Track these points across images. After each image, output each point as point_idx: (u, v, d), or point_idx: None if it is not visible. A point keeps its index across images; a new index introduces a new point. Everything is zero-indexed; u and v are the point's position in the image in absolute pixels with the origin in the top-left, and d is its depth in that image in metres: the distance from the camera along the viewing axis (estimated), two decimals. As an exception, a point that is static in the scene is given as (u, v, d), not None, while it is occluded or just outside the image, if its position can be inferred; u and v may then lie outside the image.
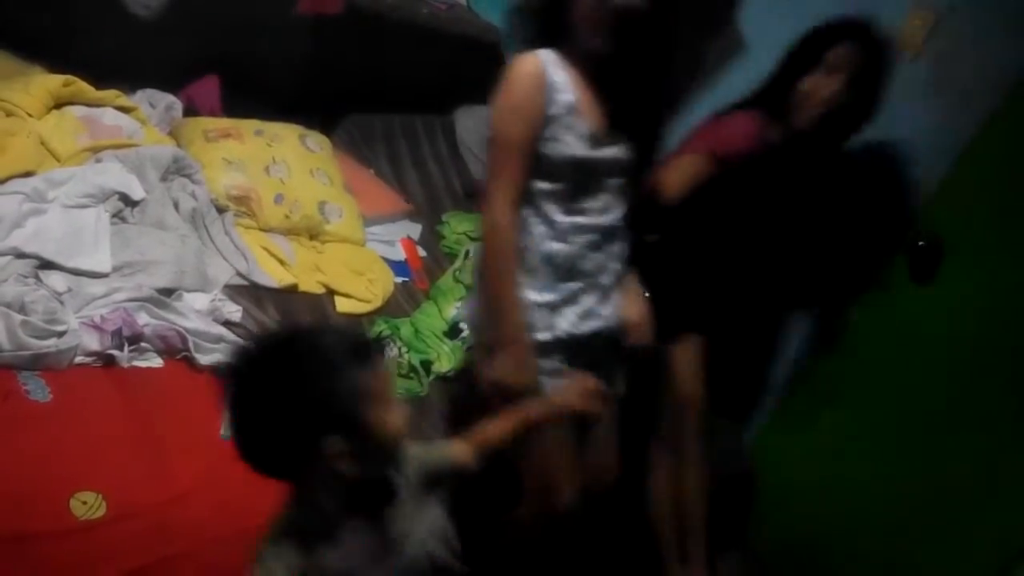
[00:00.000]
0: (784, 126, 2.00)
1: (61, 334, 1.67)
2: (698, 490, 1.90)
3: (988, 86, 2.03)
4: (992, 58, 2.03)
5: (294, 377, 1.08)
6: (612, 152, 1.63)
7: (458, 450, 1.33)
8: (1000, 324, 1.95)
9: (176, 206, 2.17)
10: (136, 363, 1.76)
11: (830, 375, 2.36)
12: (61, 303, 1.74)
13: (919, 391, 2.12)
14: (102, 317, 1.76)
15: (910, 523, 2.12)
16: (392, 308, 2.35)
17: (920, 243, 2.08)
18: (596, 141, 1.61)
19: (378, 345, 1.38)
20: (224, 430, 1.69)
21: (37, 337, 1.63)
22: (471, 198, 2.96)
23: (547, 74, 1.57)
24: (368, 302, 2.29)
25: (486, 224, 1.59)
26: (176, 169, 2.22)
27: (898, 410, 2.18)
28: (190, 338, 1.82)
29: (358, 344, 1.15)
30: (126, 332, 1.75)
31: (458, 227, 2.72)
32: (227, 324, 1.97)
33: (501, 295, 1.57)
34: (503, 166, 1.58)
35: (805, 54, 2.00)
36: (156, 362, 1.79)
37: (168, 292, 1.94)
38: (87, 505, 1.43)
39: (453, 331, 2.31)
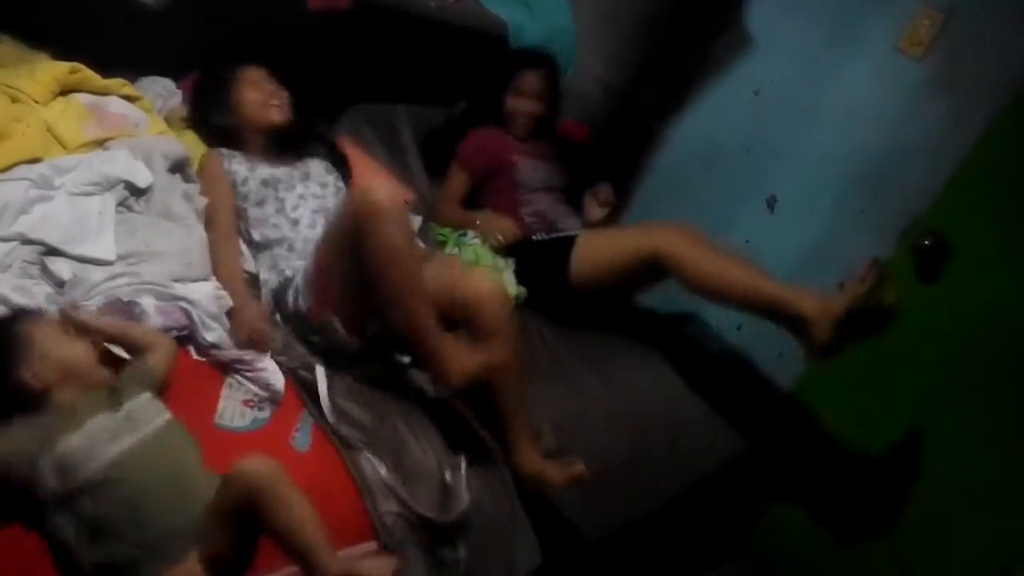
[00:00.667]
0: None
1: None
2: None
3: (995, 87, 2.04)
4: (999, 59, 2.04)
5: None
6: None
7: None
8: (1005, 324, 1.96)
9: (185, 198, 2.16)
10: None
11: (832, 372, 2.36)
12: (62, 295, 1.73)
13: (923, 390, 2.13)
14: (99, 308, 1.75)
15: (914, 525, 2.12)
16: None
17: (925, 242, 2.09)
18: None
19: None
20: (218, 418, 1.70)
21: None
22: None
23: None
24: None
25: None
26: (174, 164, 2.22)
27: (899, 408, 2.18)
28: (194, 312, 1.83)
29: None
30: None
31: None
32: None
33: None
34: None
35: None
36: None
37: (172, 281, 1.93)
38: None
39: None
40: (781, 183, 2.55)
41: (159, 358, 1.61)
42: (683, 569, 1.98)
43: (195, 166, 2.22)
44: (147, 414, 1.48)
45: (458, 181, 2.75)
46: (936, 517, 2.08)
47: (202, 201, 2.17)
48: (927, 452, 2.11)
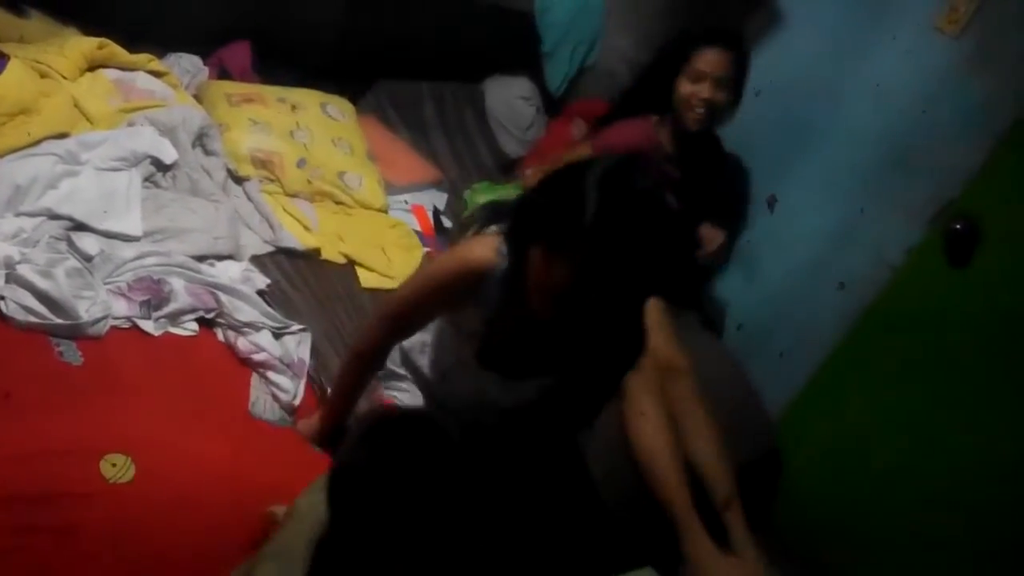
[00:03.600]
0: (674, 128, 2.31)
1: (90, 305, 1.68)
2: (718, 451, 1.85)
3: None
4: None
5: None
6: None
7: None
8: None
9: (208, 173, 2.17)
10: (171, 330, 1.78)
11: (859, 355, 2.33)
12: (91, 272, 1.75)
13: (949, 373, 2.10)
14: (129, 285, 1.77)
15: (936, 506, 2.11)
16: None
17: (957, 226, 2.05)
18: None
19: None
20: (252, 407, 1.71)
21: (67, 307, 1.64)
22: (503, 170, 2.94)
23: (491, 273, 1.47)
24: (391, 278, 2.28)
25: None
26: (197, 139, 2.23)
27: (927, 392, 2.16)
28: (222, 295, 1.84)
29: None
30: (154, 301, 1.77)
31: (482, 198, 2.70)
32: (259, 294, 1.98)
33: None
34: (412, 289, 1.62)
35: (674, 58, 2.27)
36: (191, 329, 1.80)
37: (200, 259, 1.95)
38: (116, 468, 1.44)
39: None
40: (809, 165, 2.52)
41: None
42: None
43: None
44: None
45: None
46: (960, 497, 2.06)
47: (221, 171, 2.16)
48: (952, 433, 2.08)
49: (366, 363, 1.64)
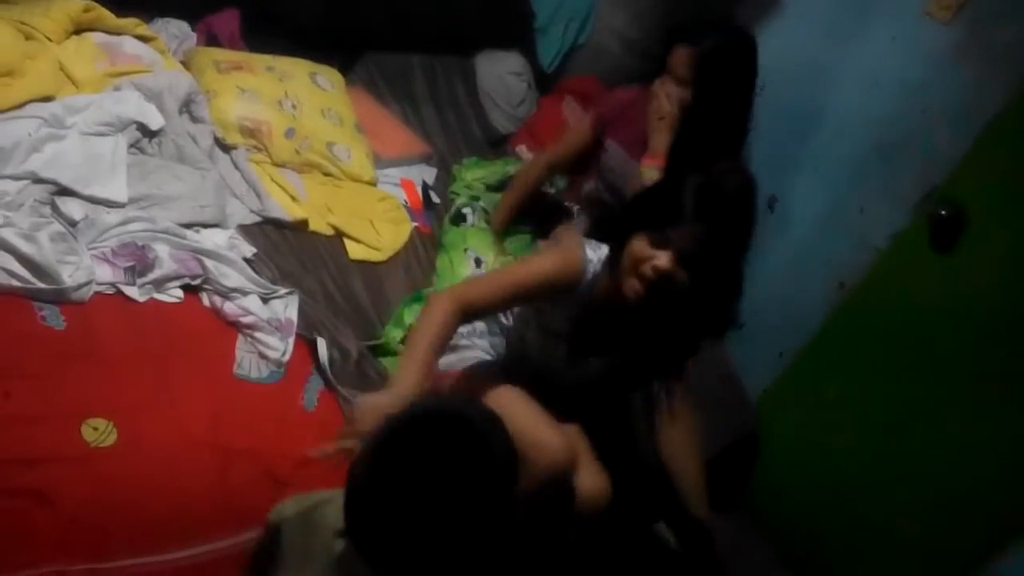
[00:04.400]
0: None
1: (74, 270, 1.67)
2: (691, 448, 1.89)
3: (1022, 55, 1.99)
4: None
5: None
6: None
7: None
8: (1019, 297, 1.94)
9: (195, 140, 2.16)
10: (155, 296, 1.77)
11: (840, 339, 2.36)
12: (74, 237, 1.74)
13: (931, 358, 2.13)
14: (113, 251, 1.76)
15: (912, 491, 2.14)
16: (406, 257, 2.34)
17: (942, 212, 2.07)
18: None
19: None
20: (237, 368, 1.71)
21: (50, 271, 1.63)
22: (493, 146, 2.93)
23: (581, 282, 1.65)
24: (378, 250, 2.28)
25: None
26: (185, 105, 2.20)
27: (907, 376, 2.18)
28: (208, 261, 1.83)
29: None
30: (138, 267, 1.76)
31: (471, 174, 2.69)
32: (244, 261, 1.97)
33: None
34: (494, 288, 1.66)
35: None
36: (176, 295, 1.80)
37: (185, 227, 1.94)
38: (98, 431, 1.45)
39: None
40: (802, 147, 2.52)
41: None
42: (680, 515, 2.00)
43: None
44: None
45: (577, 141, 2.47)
46: (937, 483, 2.09)
47: (208, 139, 2.15)
48: (931, 418, 2.11)
49: (439, 339, 1.59)
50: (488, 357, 1.83)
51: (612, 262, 1.60)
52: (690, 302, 1.55)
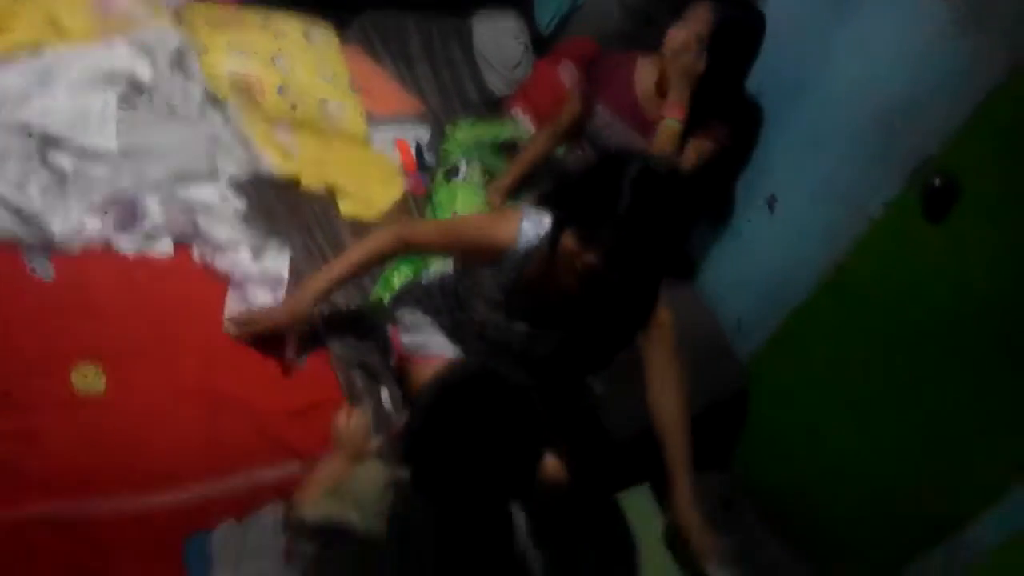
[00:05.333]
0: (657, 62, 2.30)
1: (63, 220, 1.67)
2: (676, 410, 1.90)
3: (1022, 29, 1.98)
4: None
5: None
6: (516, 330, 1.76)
7: None
8: (1009, 270, 1.94)
9: (185, 95, 2.14)
10: (145, 248, 1.77)
11: (829, 305, 2.36)
12: (64, 188, 1.73)
13: (918, 328, 2.13)
14: (102, 203, 1.76)
15: (899, 459, 2.16)
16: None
17: (936, 182, 2.06)
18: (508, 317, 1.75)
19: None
20: (227, 324, 1.71)
21: (40, 221, 1.63)
22: (488, 107, 2.91)
23: (513, 249, 1.67)
24: (369, 208, 2.27)
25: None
26: (175, 60, 2.18)
27: (895, 345, 2.20)
28: (198, 215, 1.82)
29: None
30: (127, 219, 1.76)
31: (464, 133, 2.68)
32: (235, 216, 1.97)
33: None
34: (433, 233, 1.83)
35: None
36: (165, 248, 1.80)
37: (176, 181, 1.93)
38: (87, 378, 1.46)
39: None
40: (795, 120, 2.51)
41: None
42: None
43: None
44: None
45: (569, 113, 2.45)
46: (921, 454, 2.12)
47: (199, 94, 2.14)
48: (918, 387, 2.13)
49: (368, 259, 1.79)
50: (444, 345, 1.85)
51: (551, 241, 1.60)
52: (620, 297, 1.60)
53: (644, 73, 2.39)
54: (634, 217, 1.48)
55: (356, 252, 1.78)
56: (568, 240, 1.54)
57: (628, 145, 2.33)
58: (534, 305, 1.72)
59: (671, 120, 2.25)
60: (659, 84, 2.35)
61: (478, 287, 1.77)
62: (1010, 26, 1.99)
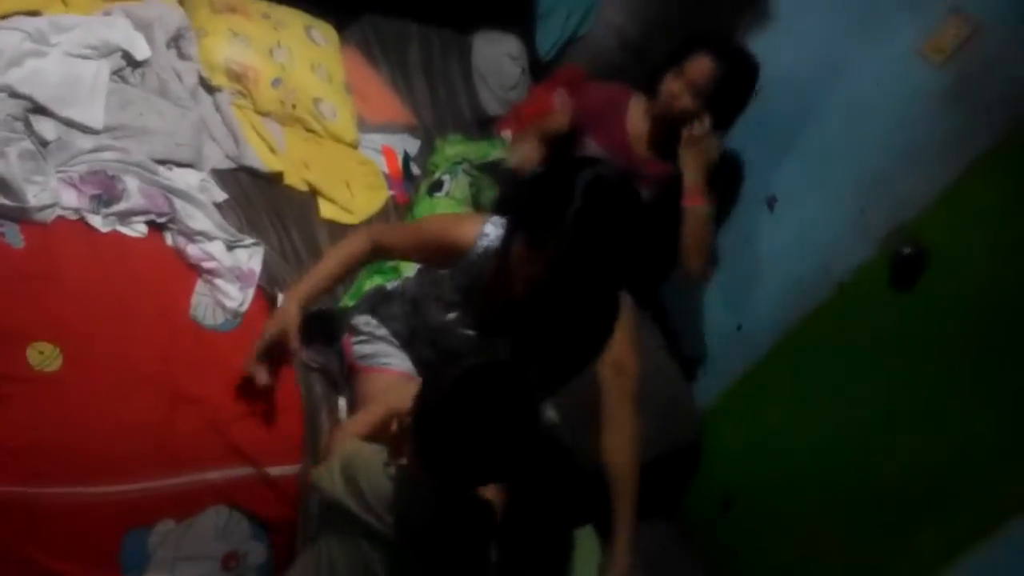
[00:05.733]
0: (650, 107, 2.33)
1: (39, 190, 1.64)
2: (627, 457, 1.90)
3: (1006, 109, 2.02)
4: (1016, 83, 2.02)
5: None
6: (467, 336, 1.73)
7: None
8: (974, 345, 1.98)
9: (179, 77, 2.13)
10: (119, 228, 1.74)
11: (790, 361, 2.39)
12: (44, 158, 1.71)
13: (874, 393, 2.16)
14: (81, 176, 1.73)
15: (850, 518, 2.18)
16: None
17: (906, 251, 2.10)
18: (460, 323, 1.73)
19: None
20: (193, 311, 1.69)
21: (15, 188, 1.60)
22: (480, 127, 2.92)
23: (471, 250, 1.65)
24: (350, 213, 2.26)
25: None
26: (173, 40, 2.17)
27: (848, 410, 2.22)
28: (176, 200, 1.80)
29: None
30: (105, 197, 1.73)
31: (453, 149, 2.67)
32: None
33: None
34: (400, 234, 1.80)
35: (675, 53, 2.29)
36: (139, 230, 1.77)
37: (159, 163, 1.91)
38: (43, 355, 1.43)
39: None
40: (775, 175, 2.55)
41: None
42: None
43: None
44: None
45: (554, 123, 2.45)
46: (875, 517, 2.13)
47: (192, 77, 2.11)
48: (874, 448, 2.15)
49: (344, 264, 1.78)
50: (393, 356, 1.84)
51: (504, 245, 1.58)
52: (567, 308, 1.58)
53: (636, 114, 2.41)
54: (583, 224, 1.42)
55: (332, 258, 1.77)
56: (518, 245, 1.51)
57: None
58: (486, 310, 1.69)
59: (698, 207, 2.28)
60: (652, 132, 2.37)
61: (436, 287, 1.75)
62: (996, 103, 2.04)
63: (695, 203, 2.29)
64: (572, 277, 1.47)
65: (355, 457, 1.38)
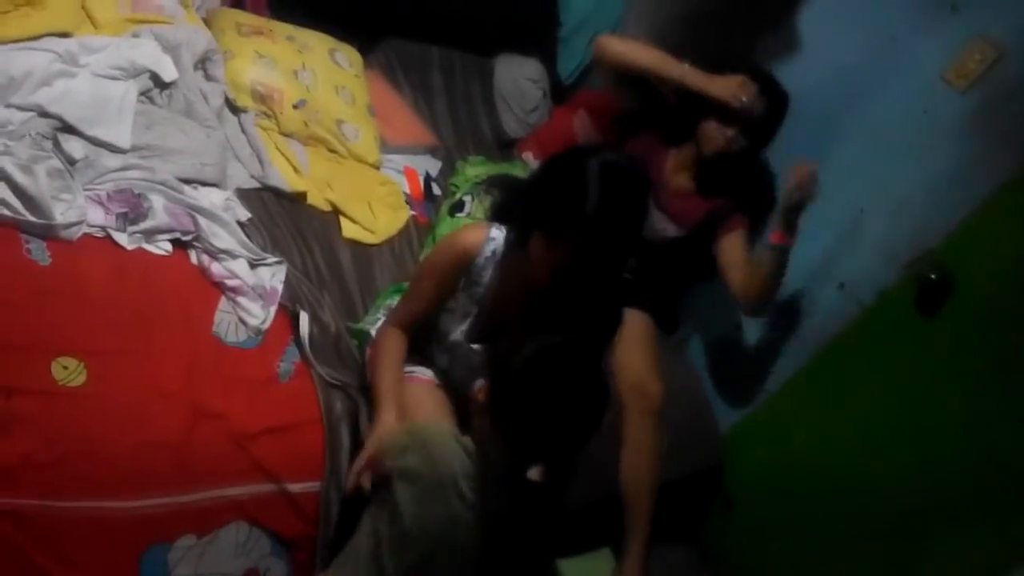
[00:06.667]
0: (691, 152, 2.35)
1: (66, 208, 1.67)
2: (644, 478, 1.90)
3: (1028, 133, 2.02)
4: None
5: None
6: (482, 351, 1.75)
7: None
8: (1002, 363, 1.95)
9: (205, 98, 2.15)
10: (144, 246, 1.77)
11: (813, 386, 2.37)
12: (72, 176, 1.73)
13: (899, 418, 2.14)
14: (108, 195, 1.75)
15: (869, 546, 2.15)
16: (399, 244, 2.34)
17: (932, 276, 2.08)
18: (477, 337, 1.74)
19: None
20: (215, 328, 1.70)
21: (43, 205, 1.62)
22: (501, 148, 2.94)
23: (480, 254, 1.67)
24: (372, 233, 2.28)
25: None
26: (200, 62, 2.20)
27: (872, 435, 2.20)
28: (201, 219, 1.82)
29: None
30: (131, 215, 1.75)
31: (474, 170, 2.69)
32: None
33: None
34: (413, 294, 1.78)
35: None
36: (164, 248, 1.79)
37: (184, 182, 1.93)
38: (68, 371, 1.44)
39: None
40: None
41: None
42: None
43: None
44: None
45: None
46: (890, 541, 2.11)
47: (218, 98, 2.14)
48: (896, 471, 2.12)
49: (396, 361, 1.75)
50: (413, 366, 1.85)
51: (519, 244, 1.61)
52: (592, 297, 1.62)
53: (675, 164, 2.43)
54: (605, 208, 1.48)
55: (386, 369, 1.71)
56: (536, 242, 1.55)
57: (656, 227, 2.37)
58: (499, 312, 1.71)
59: (787, 246, 2.25)
60: (695, 175, 2.39)
61: (451, 300, 1.76)
62: (1020, 127, 2.02)
63: (783, 242, 2.24)
64: (598, 258, 1.53)
65: (424, 431, 1.45)
